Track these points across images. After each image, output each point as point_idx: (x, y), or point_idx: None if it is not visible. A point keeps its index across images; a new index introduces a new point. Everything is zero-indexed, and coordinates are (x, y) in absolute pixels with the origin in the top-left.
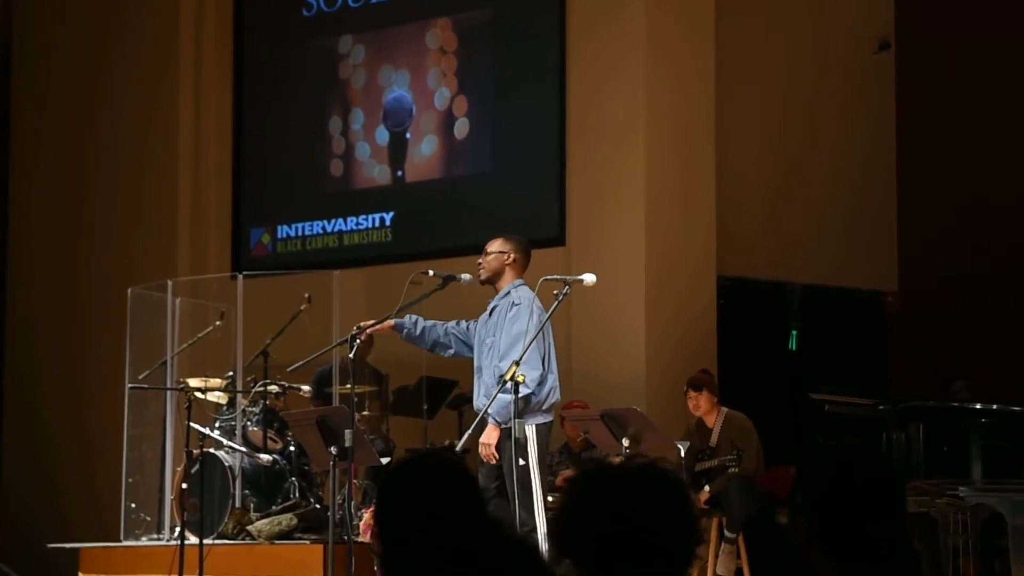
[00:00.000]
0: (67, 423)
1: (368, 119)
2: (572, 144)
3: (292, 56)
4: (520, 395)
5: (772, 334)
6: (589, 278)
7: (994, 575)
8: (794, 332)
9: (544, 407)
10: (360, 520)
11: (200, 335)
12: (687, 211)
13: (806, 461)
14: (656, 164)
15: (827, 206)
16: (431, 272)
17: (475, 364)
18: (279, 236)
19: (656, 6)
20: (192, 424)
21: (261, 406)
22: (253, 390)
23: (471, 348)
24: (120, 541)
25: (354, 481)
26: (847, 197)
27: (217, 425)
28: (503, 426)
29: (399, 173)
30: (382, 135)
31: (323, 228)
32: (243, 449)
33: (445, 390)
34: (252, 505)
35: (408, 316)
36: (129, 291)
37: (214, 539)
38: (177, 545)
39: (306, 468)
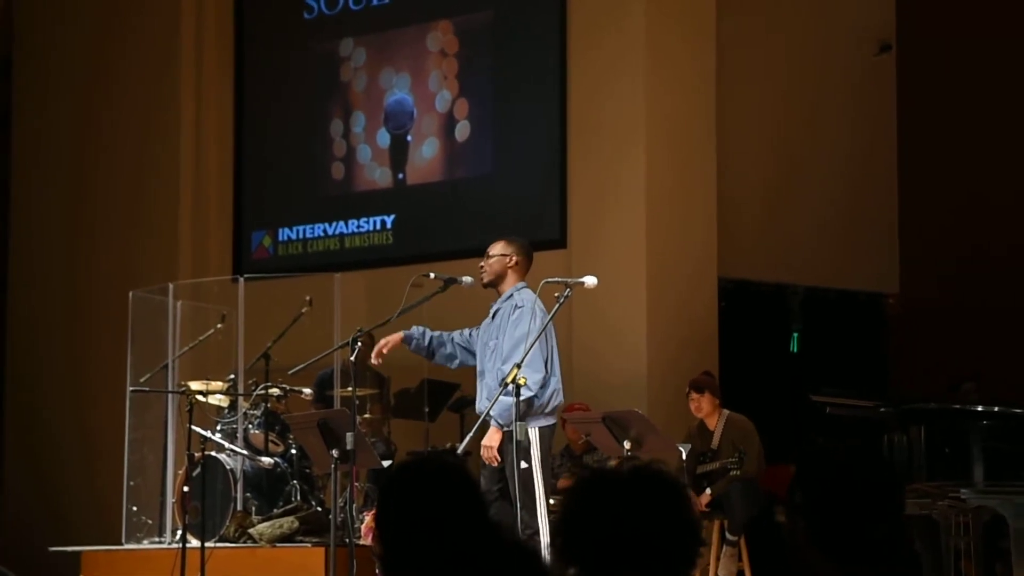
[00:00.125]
0: (68, 426)
1: (369, 122)
2: (573, 146)
3: (293, 58)
4: (522, 398)
5: (773, 336)
6: (590, 280)
7: None
8: (795, 334)
9: (547, 410)
10: (362, 523)
11: (201, 338)
12: (688, 213)
13: (805, 462)
14: (657, 166)
15: (828, 207)
16: (432, 275)
17: (478, 368)
18: (280, 239)
19: (656, 8)
20: (193, 427)
21: (262, 409)
22: (254, 393)
23: (475, 356)
24: (122, 544)
25: (355, 484)
26: (848, 198)
27: (218, 428)
28: (505, 429)
29: (400, 176)
30: (383, 138)
31: (324, 231)
32: (244, 452)
33: (446, 393)
34: (254, 508)
35: (415, 328)
36: (130, 294)
37: (216, 542)
38: (179, 548)
39: (307, 471)
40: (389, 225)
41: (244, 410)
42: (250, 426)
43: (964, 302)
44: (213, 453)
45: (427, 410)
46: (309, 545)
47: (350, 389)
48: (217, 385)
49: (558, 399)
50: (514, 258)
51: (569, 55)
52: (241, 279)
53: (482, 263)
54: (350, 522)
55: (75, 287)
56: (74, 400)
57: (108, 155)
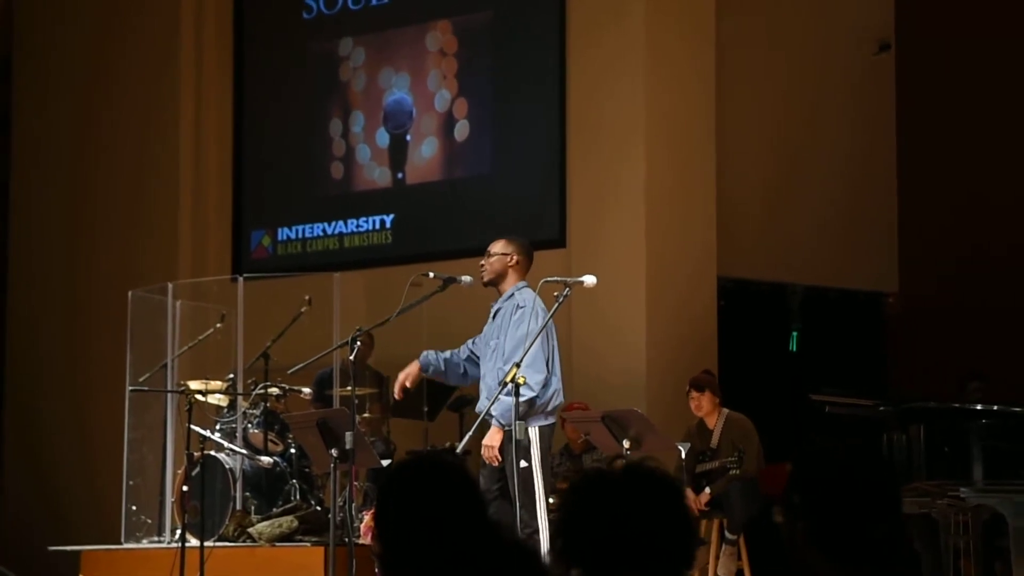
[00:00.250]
0: (67, 425)
1: (368, 121)
2: (572, 146)
3: (292, 58)
4: (524, 398)
5: (772, 335)
6: (589, 280)
7: None
8: (795, 333)
9: (547, 409)
10: (361, 522)
11: (200, 337)
12: (687, 212)
13: (802, 461)
14: (656, 165)
15: (827, 207)
16: (431, 274)
17: (480, 369)
18: (279, 238)
19: (656, 7)
20: (193, 426)
21: (262, 408)
22: (254, 392)
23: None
24: (121, 544)
25: (355, 483)
26: (847, 198)
27: (218, 427)
28: (506, 428)
29: (399, 175)
30: (382, 137)
31: (323, 230)
32: (244, 451)
33: (446, 392)
34: (253, 507)
35: (427, 354)
36: (130, 293)
37: (215, 541)
38: (178, 548)
39: (307, 470)
40: (388, 225)
41: (243, 409)
42: (249, 425)
43: (964, 301)
44: (212, 452)
45: (426, 409)
46: (308, 544)
47: (349, 388)
48: (216, 384)
49: (559, 399)
50: (515, 257)
51: (568, 54)
52: (240, 279)
53: (482, 262)
54: (349, 521)
55: (75, 286)
56: (73, 399)
57: (107, 155)
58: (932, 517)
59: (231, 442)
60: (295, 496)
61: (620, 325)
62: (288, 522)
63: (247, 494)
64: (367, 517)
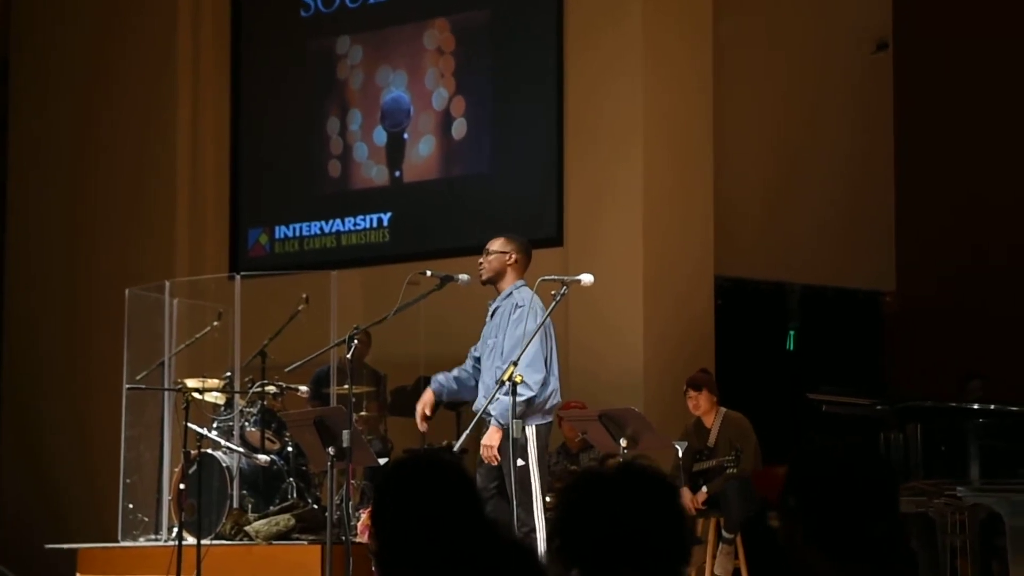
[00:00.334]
0: (65, 423)
1: (366, 119)
2: (570, 145)
3: (290, 56)
4: (523, 397)
5: (770, 334)
6: (587, 278)
7: (991, 575)
8: (792, 332)
9: (545, 408)
10: (358, 520)
11: (198, 336)
12: (685, 211)
13: (798, 462)
14: (654, 164)
15: (826, 206)
16: (429, 273)
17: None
18: (277, 236)
19: (654, 6)
20: (190, 424)
21: (259, 406)
22: (251, 390)
23: None
24: (118, 542)
25: (352, 482)
26: (846, 197)
27: (215, 426)
28: (504, 427)
29: (397, 173)
30: (380, 135)
31: (321, 228)
32: (241, 450)
33: None
34: (250, 506)
35: (438, 377)
36: (127, 291)
37: (212, 540)
38: (175, 546)
39: (304, 469)
40: (386, 223)
41: (240, 407)
42: (246, 423)
43: (961, 301)
44: (209, 451)
45: None
46: (305, 543)
47: (346, 387)
48: (213, 382)
49: (556, 398)
50: (513, 256)
51: (566, 53)
52: (238, 277)
53: (481, 260)
54: (346, 520)
55: (72, 285)
56: (71, 397)
57: (105, 153)
58: (929, 516)
59: (228, 440)
60: (292, 494)
61: (618, 324)
62: (285, 520)
63: (244, 492)
64: (364, 515)
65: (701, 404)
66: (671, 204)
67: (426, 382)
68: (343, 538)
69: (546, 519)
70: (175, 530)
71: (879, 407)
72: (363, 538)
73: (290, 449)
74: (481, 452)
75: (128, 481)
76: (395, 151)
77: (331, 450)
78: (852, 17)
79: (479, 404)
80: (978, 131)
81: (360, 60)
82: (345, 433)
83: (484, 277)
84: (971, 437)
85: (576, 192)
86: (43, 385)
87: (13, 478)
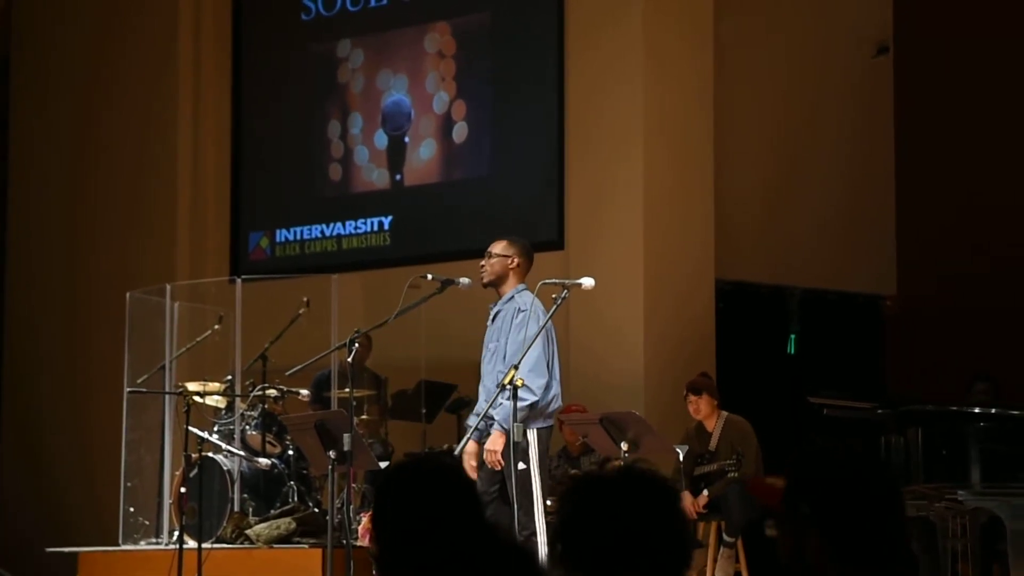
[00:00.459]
0: (66, 427)
1: (367, 123)
2: (570, 147)
3: (291, 60)
4: (527, 402)
5: (771, 338)
6: (588, 282)
7: None
8: (793, 336)
9: (546, 412)
10: (359, 524)
11: (199, 339)
12: (686, 214)
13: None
14: (655, 167)
15: (826, 209)
16: (430, 276)
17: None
18: (278, 240)
19: (654, 9)
20: (191, 428)
21: (260, 410)
22: (252, 394)
23: None
24: (119, 545)
25: (353, 485)
26: (846, 200)
27: (216, 429)
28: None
29: (398, 177)
30: (381, 139)
31: (322, 232)
32: (242, 453)
33: (444, 394)
34: (251, 509)
35: (470, 421)
36: (128, 295)
37: (213, 543)
38: (176, 549)
39: (305, 472)
40: (386, 226)
41: (241, 411)
42: (247, 427)
43: (962, 304)
44: (210, 454)
45: (424, 411)
46: (306, 546)
47: (347, 390)
48: (214, 386)
49: (558, 402)
50: (516, 260)
51: (567, 56)
52: (239, 280)
53: (483, 263)
54: (347, 523)
55: (73, 287)
56: (71, 401)
57: (106, 156)
58: (930, 520)
59: (229, 444)
60: (293, 498)
61: (618, 327)
62: (286, 524)
63: (245, 496)
64: (365, 519)
65: (701, 408)
66: (672, 207)
67: (427, 385)
68: (344, 542)
69: (546, 523)
70: (176, 533)
71: (880, 411)
72: (364, 542)
73: (291, 453)
74: (484, 457)
75: (129, 484)
76: (396, 154)
77: (332, 454)
78: (853, 18)
79: (480, 408)
80: (979, 133)
81: (361, 63)
82: (346, 437)
83: (485, 280)
84: (972, 441)
85: (577, 195)
86: (44, 388)
87: (14, 481)
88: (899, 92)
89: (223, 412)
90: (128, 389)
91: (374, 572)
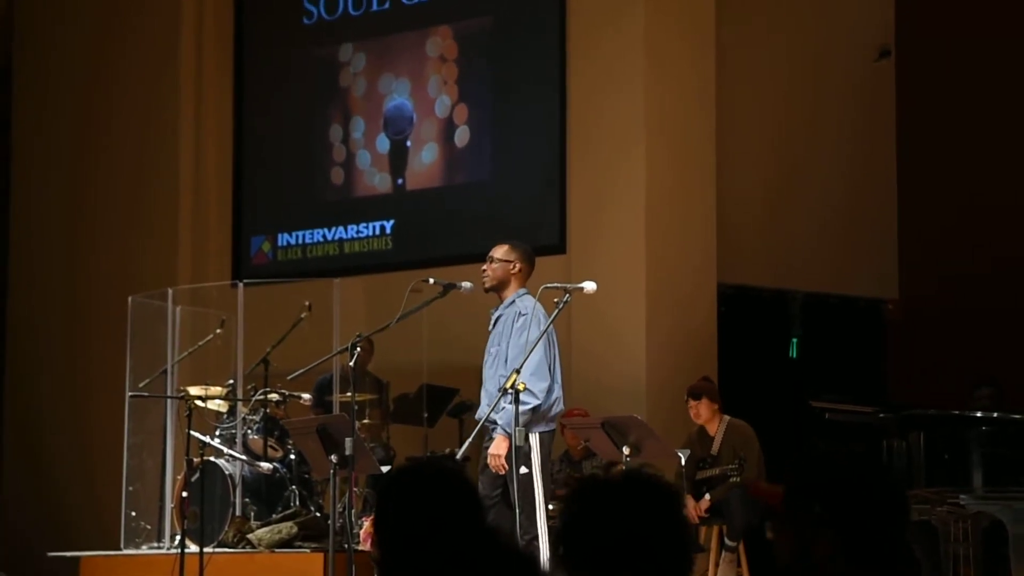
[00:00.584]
0: (67, 431)
1: (369, 127)
2: (572, 151)
3: (292, 64)
4: (528, 406)
5: (773, 342)
6: (589, 286)
7: None
8: (795, 340)
9: (548, 416)
10: (360, 528)
11: (200, 343)
12: (687, 218)
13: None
14: (656, 172)
15: (828, 212)
16: (431, 280)
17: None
18: (280, 244)
19: (655, 13)
20: (192, 432)
21: (261, 414)
22: (253, 398)
23: None
24: (120, 549)
25: (354, 489)
26: (848, 203)
27: (217, 433)
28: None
29: (400, 181)
30: (383, 143)
31: (324, 236)
32: (243, 457)
33: (445, 398)
34: (252, 513)
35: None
36: (130, 299)
37: (214, 547)
38: (177, 553)
39: (306, 476)
40: (388, 230)
41: (243, 415)
42: (249, 431)
43: (964, 307)
44: (212, 458)
45: (426, 415)
46: (308, 550)
47: (349, 394)
48: (216, 390)
49: (560, 406)
50: (517, 265)
51: (568, 60)
52: (240, 284)
53: (484, 267)
54: (349, 527)
55: (75, 291)
56: (73, 405)
57: (108, 159)
58: (932, 524)
59: (231, 448)
60: (295, 502)
61: (620, 331)
62: (287, 528)
63: (247, 500)
64: (367, 523)
65: (701, 413)
66: (673, 210)
67: (429, 389)
68: (345, 546)
69: (548, 527)
70: (178, 538)
71: (882, 415)
72: (365, 546)
73: (292, 457)
74: (488, 461)
75: (131, 489)
76: (398, 158)
77: (334, 458)
78: (854, 19)
79: (482, 412)
80: (981, 136)
81: (363, 67)
82: (348, 441)
83: (487, 285)
84: (974, 445)
85: (578, 199)
86: (45, 392)
87: (16, 486)
88: (900, 94)
89: (225, 416)
90: (130, 393)
91: None
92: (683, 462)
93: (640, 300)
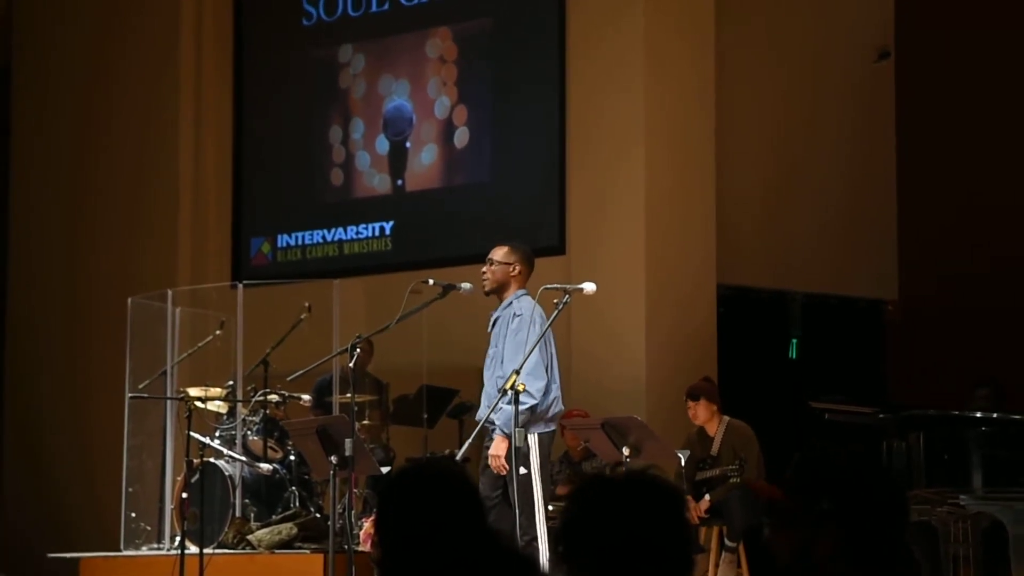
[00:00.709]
0: (67, 432)
1: (368, 128)
2: (572, 152)
3: (292, 65)
4: (525, 405)
5: (772, 342)
6: (589, 287)
7: None
8: (794, 341)
9: (547, 417)
10: (360, 529)
11: (200, 344)
12: (687, 219)
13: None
14: (656, 172)
15: (827, 213)
16: (431, 281)
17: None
18: (279, 245)
19: (656, 16)
20: (192, 433)
21: (261, 415)
22: (253, 399)
23: None
24: (120, 551)
25: (354, 490)
26: (847, 204)
27: (217, 434)
28: (509, 436)
29: (399, 182)
30: (382, 144)
31: (323, 237)
32: (243, 458)
33: (445, 399)
34: (252, 514)
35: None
36: (129, 300)
37: (214, 548)
38: (177, 554)
39: (306, 477)
40: (388, 231)
41: (243, 416)
42: (249, 432)
43: (964, 308)
44: (212, 459)
45: (426, 416)
46: (308, 551)
47: (349, 395)
48: (216, 391)
49: (558, 406)
50: (517, 267)
51: (568, 61)
52: (240, 285)
53: (484, 269)
54: (349, 528)
55: (74, 292)
56: (73, 406)
57: (107, 159)
58: (932, 525)
59: (231, 449)
60: (294, 503)
61: (620, 332)
62: (287, 529)
63: (246, 501)
64: (367, 524)
65: (699, 414)
66: (673, 211)
67: (429, 390)
68: (345, 547)
69: (548, 528)
70: (178, 539)
71: (881, 415)
72: (365, 547)
73: (292, 458)
74: (489, 462)
75: (131, 490)
76: (397, 160)
77: (333, 459)
78: (853, 21)
79: (482, 414)
80: (980, 137)
81: (362, 69)
82: (347, 442)
83: (487, 288)
84: (974, 445)
85: (578, 200)
86: (45, 393)
87: (15, 487)
88: (900, 95)
89: (225, 417)
90: (130, 394)
91: None
92: (683, 463)
93: (640, 301)
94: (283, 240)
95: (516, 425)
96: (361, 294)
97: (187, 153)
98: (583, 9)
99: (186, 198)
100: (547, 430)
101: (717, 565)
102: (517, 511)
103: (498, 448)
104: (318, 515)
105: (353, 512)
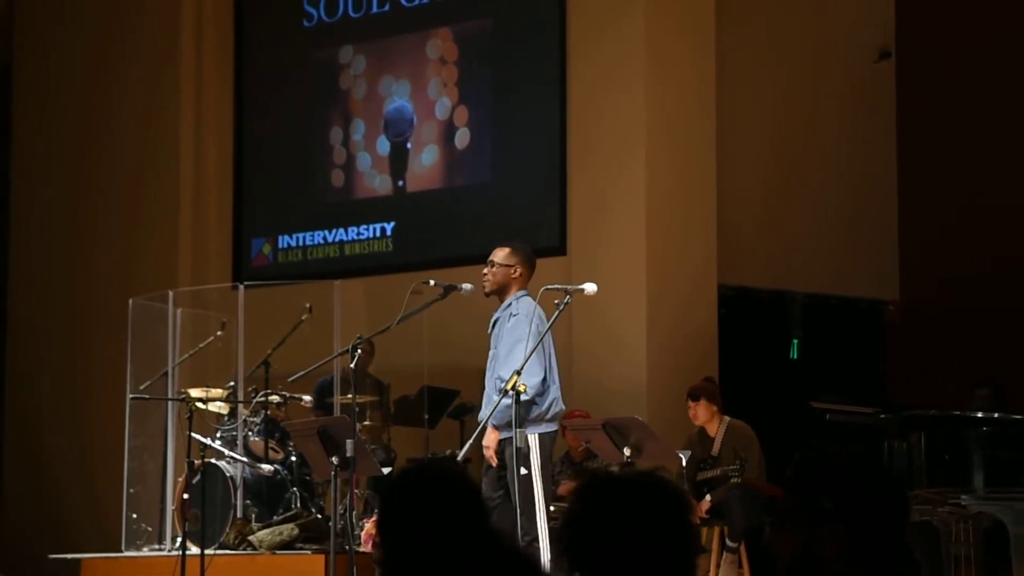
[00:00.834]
0: (68, 433)
1: (369, 129)
2: (572, 153)
3: (292, 66)
4: (517, 400)
5: (773, 343)
6: (590, 287)
7: None
8: (795, 341)
9: (547, 417)
10: (361, 530)
11: (201, 345)
12: (688, 219)
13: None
14: (656, 172)
15: (828, 214)
16: (432, 282)
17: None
18: (280, 246)
19: (656, 17)
20: (193, 434)
21: (262, 416)
22: (254, 400)
23: None
24: (121, 551)
25: (355, 491)
26: (848, 204)
27: (218, 435)
28: (503, 436)
29: (400, 183)
30: (383, 145)
31: (324, 238)
32: (244, 459)
33: (446, 400)
34: (253, 515)
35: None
36: (130, 301)
37: (215, 549)
38: (178, 555)
39: (307, 478)
40: (389, 232)
41: (244, 417)
42: (250, 433)
43: (965, 308)
44: (213, 460)
45: (427, 417)
46: (309, 552)
47: (350, 396)
48: (217, 392)
49: (558, 407)
50: (518, 269)
51: (569, 62)
52: (241, 286)
53: (485, 270)
54: (350, 529)
55: (75, 293)
56: (74, 407)
57: (108, 160)
58: (933, 525)
59: (232, 450)
60: (296, 504)
61: (621, 333)
62: (289, 530)
63: (248, 502)
64: (368, 525)
65: (700, 414)
66: (673, 212)
67: (430, 391)
68: (346, 547)
69: (549, 528)
70: (179, 540)
71: (883, 416)
72: (367, 547)
73: (293, 459)
74: (484, 453)
75: (132, 491)
76: (398, 161)
77: (334, 460)
78: (853, 22)
79: (482, 415)
80: (981, 137)
81: (363, 70)
82: (348, 443)
83: (488, 290)
84: (974, 445)
85: (579, 201)
86: (46, 394)
87: (16, 487)
88: (901, 95)
89: (226, 418)
90: (131, 395)
91: None
92: (684, 463)
93: (641, 301)
94: (284, 241)
95: (516, 426)
96: (362, 295)
97: (188, 154)
98: (583, 10)
99: (187, 199)
100: (548, 430)
101: (718, 565)
102: (518, 511)
103: (488, 439)
104: (319, 516)
105: (354, 513)
